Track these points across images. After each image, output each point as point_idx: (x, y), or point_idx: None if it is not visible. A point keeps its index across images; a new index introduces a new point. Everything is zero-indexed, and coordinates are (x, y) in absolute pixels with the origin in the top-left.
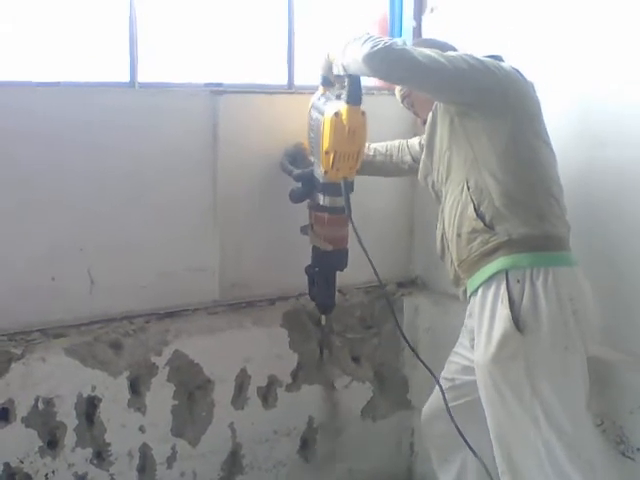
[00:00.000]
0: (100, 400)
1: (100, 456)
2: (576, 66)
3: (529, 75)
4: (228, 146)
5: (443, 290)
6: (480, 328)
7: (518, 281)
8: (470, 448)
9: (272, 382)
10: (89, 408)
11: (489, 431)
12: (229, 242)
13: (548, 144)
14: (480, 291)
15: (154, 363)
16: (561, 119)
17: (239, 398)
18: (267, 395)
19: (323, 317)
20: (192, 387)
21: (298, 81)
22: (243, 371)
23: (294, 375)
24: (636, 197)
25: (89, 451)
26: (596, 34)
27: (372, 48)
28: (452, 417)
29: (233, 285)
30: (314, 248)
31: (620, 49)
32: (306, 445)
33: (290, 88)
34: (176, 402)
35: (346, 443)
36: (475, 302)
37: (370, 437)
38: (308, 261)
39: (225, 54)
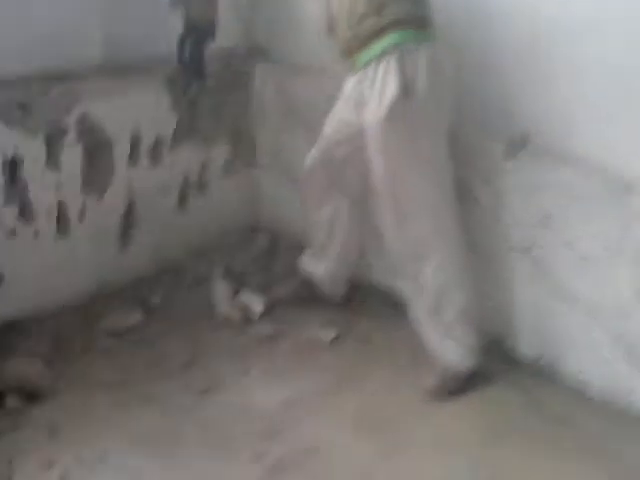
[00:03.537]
0: (22, 161)
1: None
2: None
3: None
4: None
5: (293, 60)
6: (372, 93)
7: (406, 54)
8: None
9: (159, 142)
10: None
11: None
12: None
13: None
14: (373, 63)
15: (64, 124)
16: None
17: (132, 157)
18: (155, 154)
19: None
20: (96, 147)
21: None
22: (136, 131)
23: (174, 136)
24: None
25: (15, 209)
26: None
27: None
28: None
29: (116, 51)
30: (188, 18)
31: None
32: (183, 199)
33: None
34: (84, 162)
35: (211, 195)
36: (367, 72)
37: (228, 190)
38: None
39: None
